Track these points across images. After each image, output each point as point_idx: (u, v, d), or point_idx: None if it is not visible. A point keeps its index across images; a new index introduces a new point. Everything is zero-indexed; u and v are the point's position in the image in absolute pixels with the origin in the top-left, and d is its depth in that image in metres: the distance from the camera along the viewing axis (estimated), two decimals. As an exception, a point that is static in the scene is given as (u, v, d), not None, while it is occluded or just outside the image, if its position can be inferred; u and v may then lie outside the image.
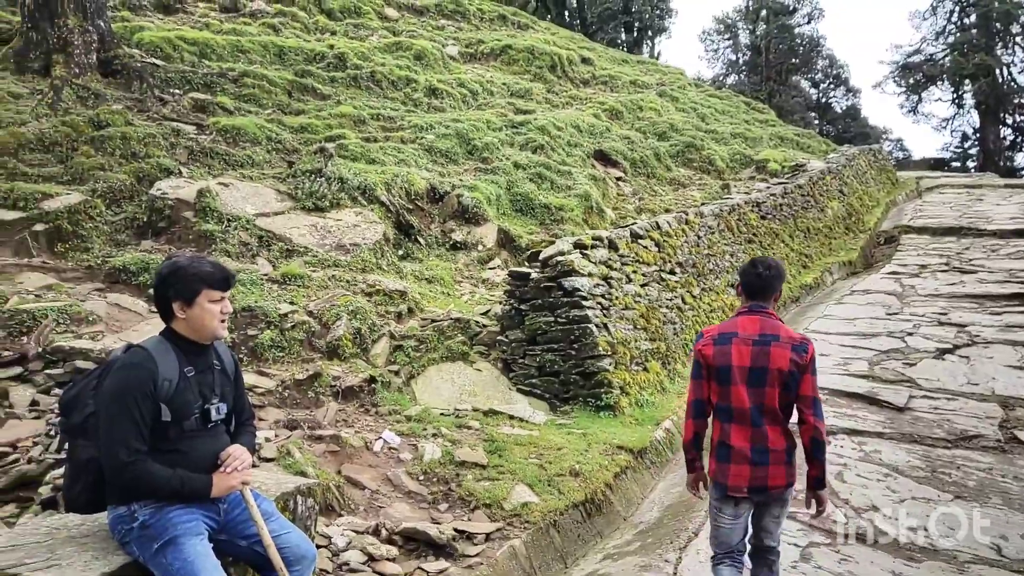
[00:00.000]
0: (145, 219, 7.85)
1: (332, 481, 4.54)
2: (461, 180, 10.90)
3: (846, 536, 4.50)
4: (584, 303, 6.87)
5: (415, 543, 4.23)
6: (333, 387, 5.91)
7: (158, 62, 11.43)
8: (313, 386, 5.85)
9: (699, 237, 10.17)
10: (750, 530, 3.39)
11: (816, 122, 45.79)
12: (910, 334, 9.05)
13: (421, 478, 4.98)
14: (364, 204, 9.29)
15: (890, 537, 4.53)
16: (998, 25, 34.16)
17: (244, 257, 7.70)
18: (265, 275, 7.39)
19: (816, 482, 3.30)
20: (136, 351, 2.55)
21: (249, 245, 7.89)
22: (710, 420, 3.40)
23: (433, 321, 7.24)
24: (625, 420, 6.41)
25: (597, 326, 6.86)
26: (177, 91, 10.90)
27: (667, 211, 12.09)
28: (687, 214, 10.19)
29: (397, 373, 6.53)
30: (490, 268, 9.48)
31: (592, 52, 23.57)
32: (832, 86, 48.76)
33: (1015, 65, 35.11)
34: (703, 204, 12.07)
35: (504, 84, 16.88)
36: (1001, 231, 15.32)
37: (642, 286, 8.06)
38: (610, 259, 7.68)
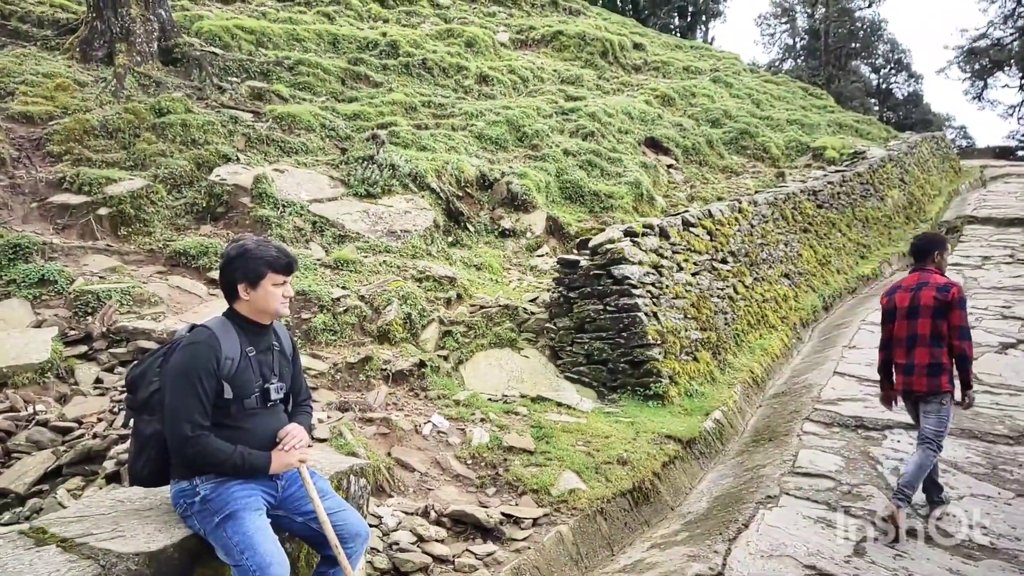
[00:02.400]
0: (204, 204, 8.06)
1: (382, 463, 4.61)
2: (510, 167, 10.90)
3: (903, 531, 4.38)
4: (634, 291, 6.82)
5: (463, 525, 4.28)
6: (384, 371, 6.00)
7: (217, 50, 11.69)
8: (364, 369, 5.95)
9: (752, 226, 9.98)
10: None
11: (876, 108, 44.41)
12: (973, 327, 8.73)
13: (469, 462, 5.03)
14: (415, 191, 9.37)
15: (948, 533, 4.40)
16: (1075, 5, 32.51)
17: (298, 242, 7.86)
18: (318, 260, 7.52)
19: (964, 384, 4.50)
20: (200, 330, 2.62)
21: (303, 230, 8.04)
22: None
23: (482, 307, 7.28)
24: (674, 410, 6.35)
25: (646, 315, 6.80)
26: (235, 79, 11.13)
27: (719, 199, 11.89)
28: (740, 202, 10.01)
29: (446, 358, 6.59)
30: (538, 255, 9.47)
31: (644, 37, 23.24)
32: (893, 71, 47.21)
33: (1091, 48, 33.39)
34: (757, 192, 11.83)
35: (555, 71, 16.78)
36: (1073, 222, 14.66)
37: (693, 275, 7.96)
38: (661, 247, 7.60)
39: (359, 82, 12.88)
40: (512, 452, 5.09)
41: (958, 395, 4.52)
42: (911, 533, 4.36)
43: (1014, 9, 34.79)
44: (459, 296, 7.57)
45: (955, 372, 4.50)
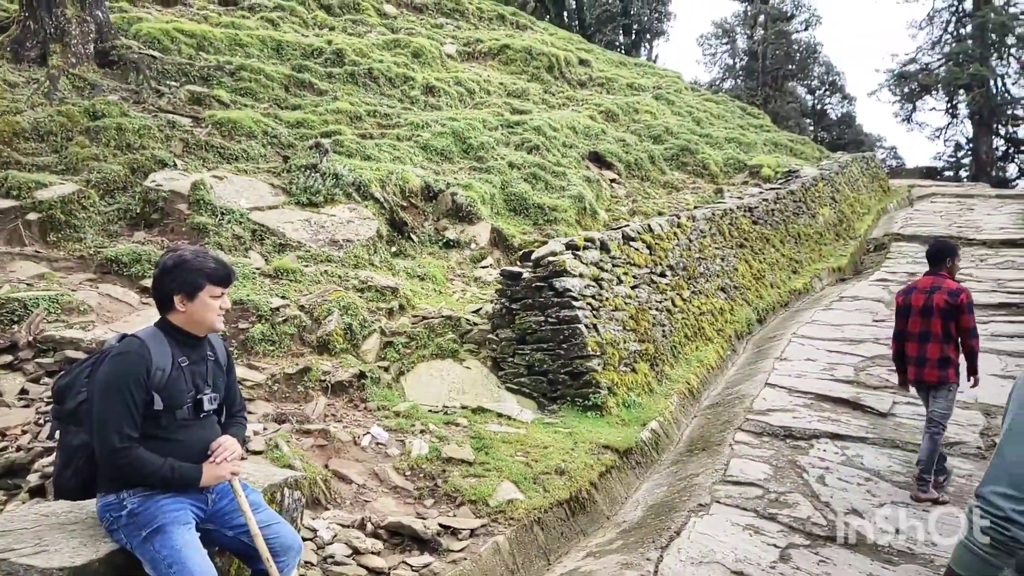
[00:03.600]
0: (138, 210, 7.87)
1: (319, 475, 4.58)
2: (456, 178, 10.95)
3: (826, 538, 4.57)
4: (574, 303, 6.93)
5: (400, 537, 4.28)
6: (323, 382, 5.95)
7: (155, 54, 11.43)
8: (303, 380, 5.89)
9: (691, 240, 10.25)
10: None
11: (811, 128, 45.96)
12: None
13: (408, 473, 5.03)
14: (358, 200, 9.33)
15: (869, 540, 4.60)
16: (993, 36, 34.37)
17: (237, 250, 7.73)
18: (257, 269, 7.42)
19: (972, 371, 5.33)
20: (131, 340, 2.59)
21: (242, 239, 7.92)
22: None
23: (424, 318, 7.29)
24: (612, 420, 6.47)
25: (587, 326, 6.92)
26: (174, 83, 10.90)
27: (660, 214, 12.16)
28: (679, 217, 10.27)
29: (387, 369, 6.58)
30: (482, 267, 9.53)
31: (590, 54, 23.63)
32: (828, 93, 48.95)
33: (1009, 76, 35.36)
34: (696, 208, 12.15)
35: (501, 84, 16.93)
36: (990, 241, 15.46)
37: (632, 288, 8.13)
38: (601, 260, 7.75)
39: (303, 89, 12.76)
40: (451, 463, 5.11)
41: (962, 383, 5.40)
42: (832, 539, 4.54)
43: (940, 36, 36.66)
44: (401, 307, 7.57)
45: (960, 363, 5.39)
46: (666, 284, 8.96)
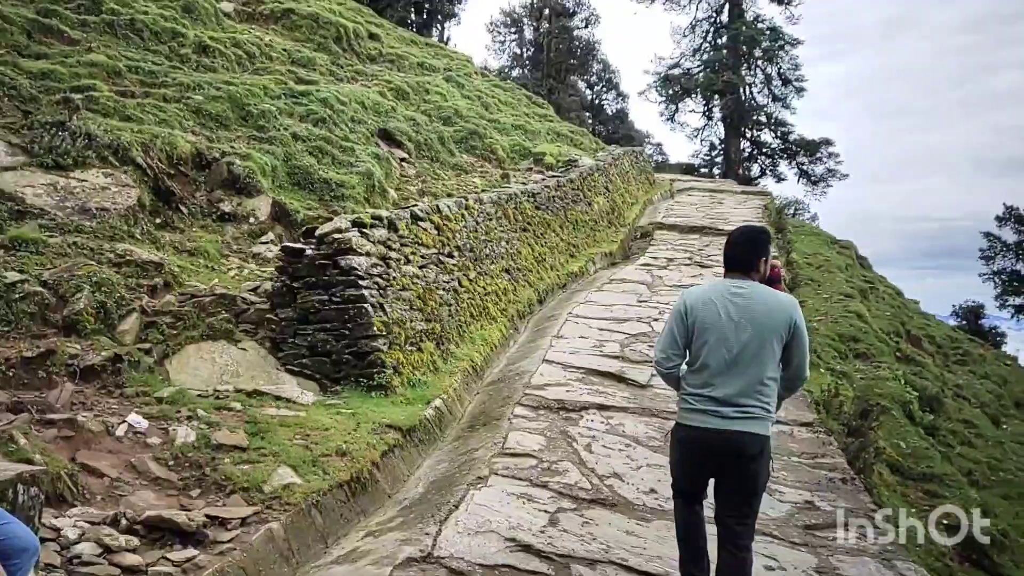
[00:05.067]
0: None
1: (64, 469, 4.09)
2: (233, 147, 10.22)
3: (591, 501, 4.94)
4: (360, 282, 6.80)
5: (161, 532, 3.95)
6: (70, 366, 5.31)
7: None
8: (45, 365, 5.22)
9: (478, 223, 10.49)
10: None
11: (590, 121, 48.92)
12: (656, 320, 10.07)
13: (171, 463, 4.66)
14: (116, 165, 8.37)
15: (627, 500, 5.05)
16: (744, 48, 38.84)
17: (-40, 216, 6.63)
18: (-13, 238, 6.42)
19: None
20: None
21: (-33, 203, 6.80)
22: None
23: (193, 296, 6.75)
24: (397, 400, 6.47)
25: (373, 306, 6.83)
26: None
27: (449, 195, 12.29)
28: (467, 200, 10.46)
29: (149, 352, 6.02)
30: (262, 243, 9.03)
31: (381, 29, 23.16)
32: (605, 89, 52.38)
33: (756, 85, 40.19)
34: (483, 191, 12.45)
35: (285, 50, 16.06)
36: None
37: (420, 268, 8.15)
38: (389, 239, 7.67)
39: (51, 37, 11.16)
40: (222, 450, 4.81)
41: None
42: (596, 501, 4.92)
43: (701, 44, 40.68)
44: (167, 284, 6.95)
45: None
46: (453, 265, 9.09)
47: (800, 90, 39.00)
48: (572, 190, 15.95)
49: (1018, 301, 38.77)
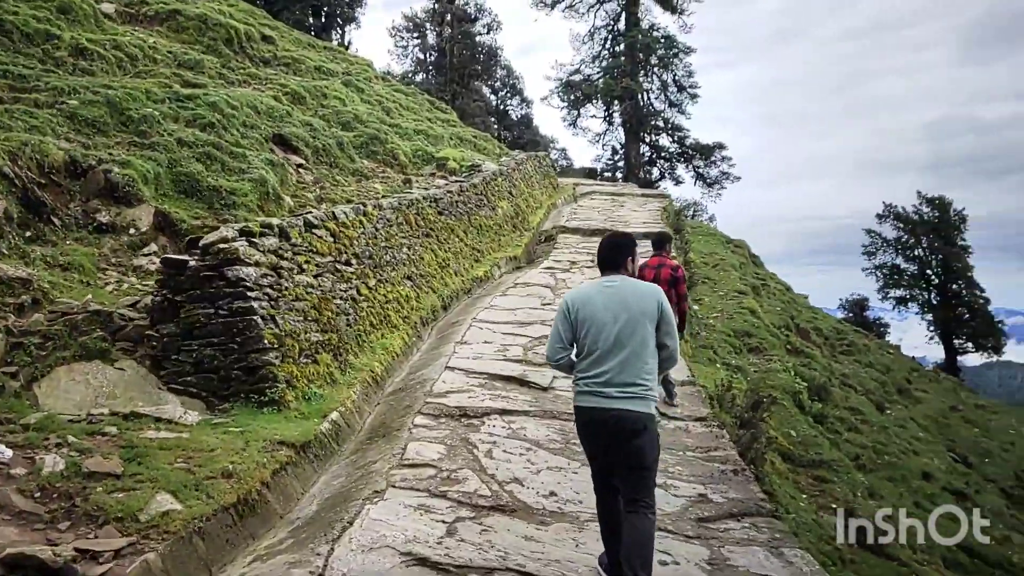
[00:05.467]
0: None
1: (-95, 511, 3.70)
2: (111, 154, 9.65)
3: (490, 508, 4.89)
4: (249, 294, 6.53)
5: (24, 570, 3.63)
6: (-82, 396, 4.84)
7: None
8: None
9: (377, 229, 10.29)
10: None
11: (495, 127, 49.16)
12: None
13: (37, 495, 4.31)
14: (-23, 175, 7.74)
15: (527, 505, 5.03)
16: (641, 55, 39.93)
17: None
18: None
19: (681, 327, 7.16)
20: None
21: None
22: None
23: (65, 314, 6.30)
24: (290, 415, 6.23)
25: (263, 318, 6.57)
26: None
27: (349, 202, 12.00)
28: (365, 206, 10.25)
29: (15, 375, 5.59)
30: (144, 255, 8.55)
31: (275, 31, 22.48)
32: (509, 95, 52.74)
33: (653, 92, 41.40)
34: (383, 197, 12.24)
35: (170, 52, 15.33)
36: (635, 233, 17.97)
37: (315, 277, 7.91)
38: (281, 248, 7.41)
39: (-101, 34, 10.24)
40: (94, 478, 4.48)
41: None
42: (495, 508, 4.88)
43: (600, 51, 41.55)
44: (36, 301, 6.47)
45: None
46: (351, 273, 8.88)
47: (694, 96, 40.45)
48: (476, 195, 15.93)
49: (898, 293, 41.52)
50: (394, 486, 5.06)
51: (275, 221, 7.64)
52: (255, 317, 6.46)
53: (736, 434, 7.14)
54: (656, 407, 3.96)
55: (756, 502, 5.31)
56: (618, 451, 3.83)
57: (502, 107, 52.98)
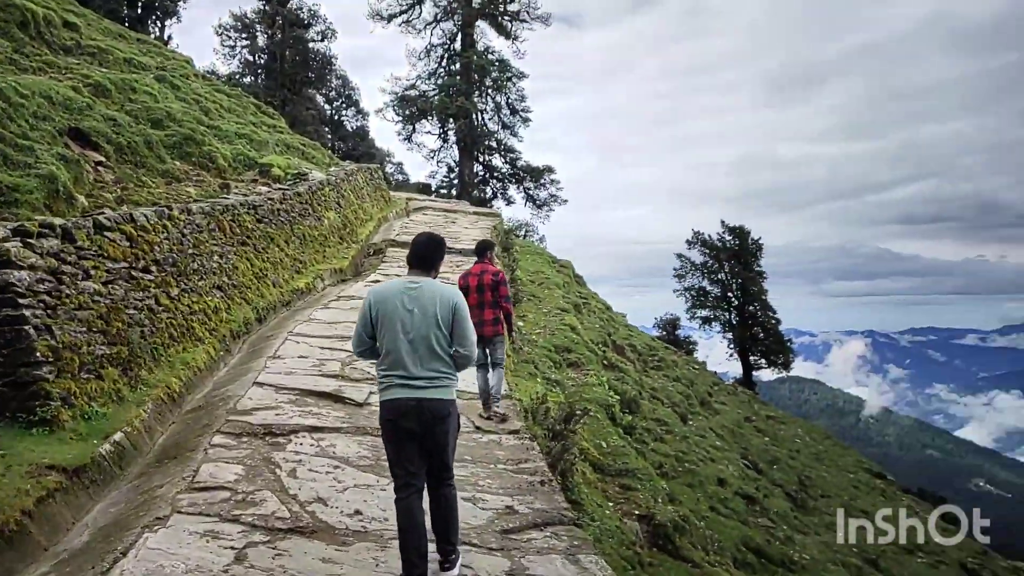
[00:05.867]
0: None
1: None
2: None
3: (288, 531, 4.64)
4: (20, 300, 5.82)
5: None
6: None
7: None
8: None
9: (184, 235, 9.60)
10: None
11: (329, 137, 47.96)
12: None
13: None
14: None
15: (328, 525, 4.83)
16: (476, 76, 40.63)
17: None
18: None
19: (510, 328, 7.84)
20: None
21: None
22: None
23: None
24: (65, 436, 5.60)
25: (37, 328, 5.88)
26: None
27: (156, 204, 11.11)
28: (171, 209, 9.54)
29: None
30: None
31: (81, 19, 20.49)
32: (345, 105, 51.72)
33: (487, 112, 42.20)
34: (195, 201, 11.46)
35: (-55, 28, 13.50)
36: (465, 250, 18.11)
37: (105, 284, 7.20)
38: (64, 251, 6.68)
39: None
40: None
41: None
42: (294, 530, 4.64)
43: (436, 69, 41.77)
44: None
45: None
46: (150, 280, 8.19)
47: (526, 120, 41.76)
48: (300, 204, 15.37)
49: (704, 313, 45.07)
50: (180, 511, 4.67)
51: (58, 221, 6.90)
52: (26, 327, 5.76)
53: (547, 446, 7.34)
54: (456, 395, 4.36)
55: (560, 512, 5.44)
56: (425, 437, 4.10)
57: (337, 117, 51.83)
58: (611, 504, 8.68)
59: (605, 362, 15.81)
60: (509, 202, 43.18)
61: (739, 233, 45.29)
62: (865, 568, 12.85)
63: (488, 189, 43.79)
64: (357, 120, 52.35)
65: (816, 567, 11.18)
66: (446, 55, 41.12)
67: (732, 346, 43.75)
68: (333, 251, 16.14)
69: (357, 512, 5.09)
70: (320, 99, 49.84)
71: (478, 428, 7.13)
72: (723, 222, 46.27)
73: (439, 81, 41.01)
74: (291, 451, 6.04)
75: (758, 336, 43.42)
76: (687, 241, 46.66)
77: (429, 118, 41.15)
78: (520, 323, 14.77)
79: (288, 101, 40.29)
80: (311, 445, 6.22)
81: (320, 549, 4.49)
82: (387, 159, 53.86)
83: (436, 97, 40.39)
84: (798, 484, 17.47)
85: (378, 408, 4.40)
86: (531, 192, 42.04)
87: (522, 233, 39.64)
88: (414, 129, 41.58)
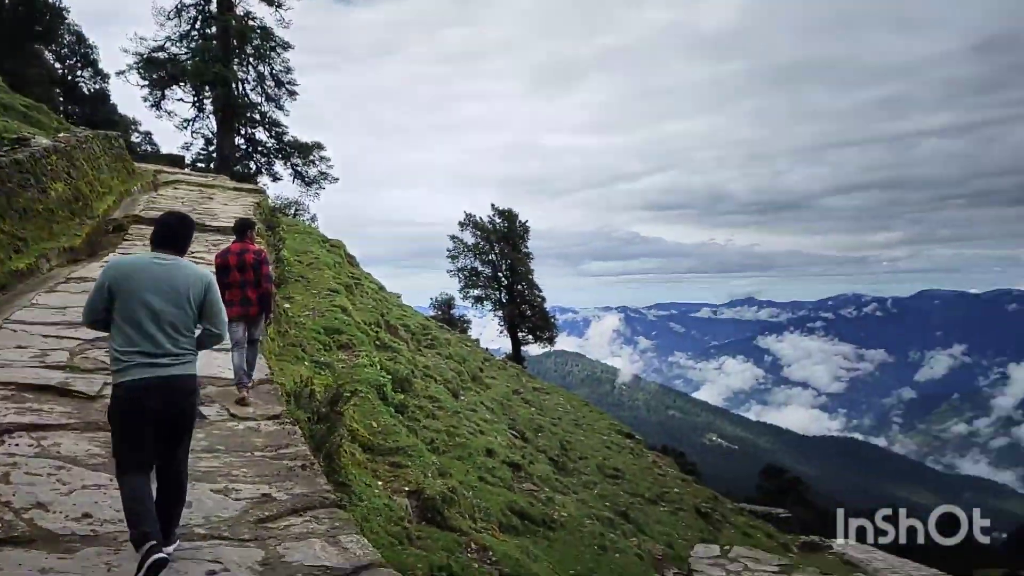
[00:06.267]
0: None
1: None
2: None
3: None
4: None
5: None
6: None
7: None
8: None
9: None
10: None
11: (62, 100, 42.18)
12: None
13: None
14: None
15: (50, 532, 4.27)
16: (235, 42, 37.81)
17: None
18: None
19: (268, 310, 7.61)
20: None
21: None
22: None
23: None
24: None
25: None
26: None
27: None
28: None
29: None
30: None
31: None
32: (80, 65, 45.66)
33: (249, 82, 39.44)
34: None
35: None
36: (223, 228, 16.89)
37: None
38: None
39: None
40: None
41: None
42: (7, 541, 4.04)
43: (188, 31, 38.17)
44: None
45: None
46: None
47: (293, 93, 39.67)
48: (19, 172, 13.31)
49: (476, 292, 46.54)
50: None
51: None
52: None
53: (311, 429, 7.12)
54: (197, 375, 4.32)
55: (321, 495, 5.29)
56: (171, 416, 4.02)
57: (71, 78, 45.63)
58: (380, 483, 8.66)
59: (378, 343, 15.67)
60: (276, 178, 41.02)
61: (508, 216, 47.23)
62: (616, 519, 14.10)
63: (252, 164, 41.22)
64: (96, 83, 46.50)
65: (573, 523, 12.06)
66: (200, 17, 37.76)
67: (502, 323, 45.68)
68: (62, 227, 14.21)
69: (86, 515, 4.56)
70: (50, 56, 43.61)
71: (233, 416, 6.71)
72: (493, 205, 47.98)
73: (193, 44, 37.60)
74: (3, 454, 5.24)
75: (526, 313, 45.78)
76: (460, 223, 47.76)
77: (181, 84, 37.62)
78: (287, 305, 14.13)
79: (7, 57, 34.66)
80: (29, 445, 5.45)
81: (39, 559, 3.95)
82: (133, 127, 48.58)
83: (189, 62, 37.02)
84: (559, 449, 18.70)
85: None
86: (299, 169, 40.27)
87: (291, 212, 37.94)
88: (163, 95, 37.76)
